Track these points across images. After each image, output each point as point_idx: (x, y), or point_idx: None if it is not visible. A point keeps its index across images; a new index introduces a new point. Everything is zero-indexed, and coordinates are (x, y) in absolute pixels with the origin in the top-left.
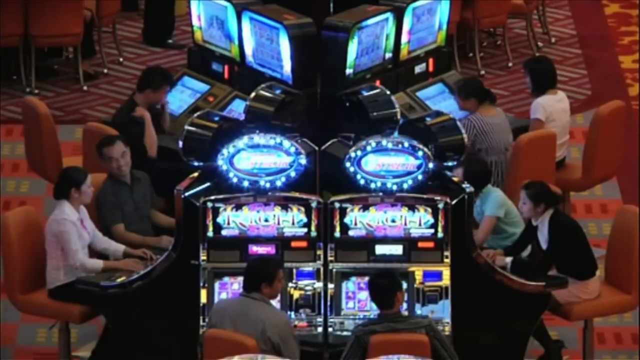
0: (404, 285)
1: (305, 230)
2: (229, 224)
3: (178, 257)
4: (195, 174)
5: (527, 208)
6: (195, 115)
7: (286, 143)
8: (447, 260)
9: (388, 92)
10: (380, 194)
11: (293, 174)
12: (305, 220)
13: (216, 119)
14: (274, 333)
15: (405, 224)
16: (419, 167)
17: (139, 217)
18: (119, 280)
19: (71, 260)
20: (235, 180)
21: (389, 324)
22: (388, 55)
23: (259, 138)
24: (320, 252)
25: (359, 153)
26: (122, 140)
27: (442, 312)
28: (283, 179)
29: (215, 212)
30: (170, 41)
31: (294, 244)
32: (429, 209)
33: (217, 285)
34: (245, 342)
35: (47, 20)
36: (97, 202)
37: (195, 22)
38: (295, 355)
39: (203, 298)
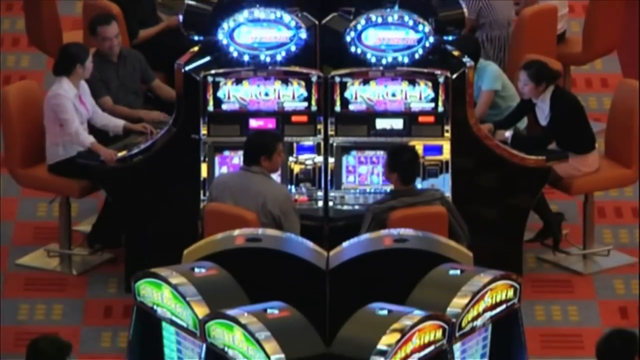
0: None
1: (306, 104)
2: (229, 98)
3: (178, 132)
4: (196, 48)
5: (529, 88)
6: None
7: (286, 17)
8: (448, 135)
9: None
10: (381, 68)
11: (293, 48)
12: (305, 94)
13: None
14: (275, 206)
15: (406, 98)
16: (419, 41)
17: (125, 94)
18: (119, 154)
19: (68, 130)
20: (235, 54)
21: (405, 199)
22: None
23: (259, 12)
24: (320, 127)
25: (359, 27)
26: (116, 21)
27: (442, 186)
28: (283, 53)
29: (216, 87)
30: None
31: (294, 118)
32: (430, 83)
33: (217, 159)
34: (246, 216)
35: None
36: None
37: None
38: (295, 229)
39: (203, 172)
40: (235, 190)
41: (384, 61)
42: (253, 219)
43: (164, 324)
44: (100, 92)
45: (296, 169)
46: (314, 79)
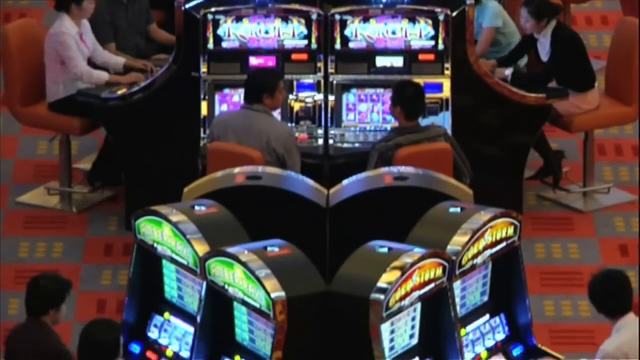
0: None
1: (306, 42)
2: (229, 36)
3: (179, 70)
4: None
5: (531, 25)
6: None
7: None
8: (448, 73)
9: None
10: (381, 6)
11: None
12: (305, 32)
13: None
14: (279, 144)
15: (406, 36)
16: None
17: (133, 35)
18: (119, 92)
19: (73, 69)
20: None
21: (410, 136)
22: None
23: None
24: (320, 65)
25: None
26: None
27: (442, 124)
28: None
29: (216, 25)
30: None
31: (294, 56)
32: (430, 21)
33: (217, 97)
34: (251, 154)
35: None
36: (91, 19)
37: None
38: (298, 167)
39: (203, 110)
40: (238, 130)
41: None
42: (258, 157)
43: (164, 262)
44: (107, 37)
45: (296, 107)
46: (314, 17)
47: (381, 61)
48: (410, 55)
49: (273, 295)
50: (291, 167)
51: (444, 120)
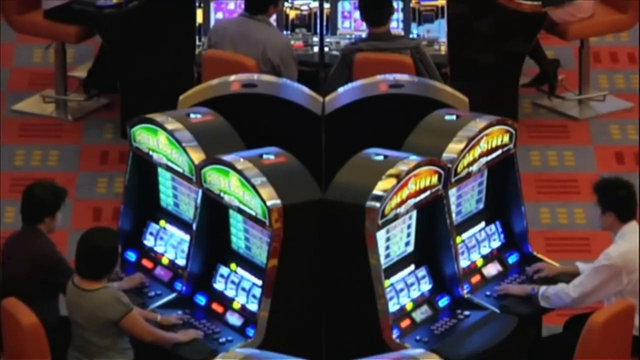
0: (400, 4)
1: None
2: None
3: None
4: None
5: None
6: None
7: None
8: None
9: None
10: None
11: None
12: None
13: None
14: (275, 54)
15: None
16: None
17: None
18: (115, 0)
19: None
20: None
21: (374, 43)
22: None
23: None
24: None
25: None
26: None
27: (438, 31)
28: None
29: None
30: None
31: None
32: None
33: (212, 4)
34: (245, 62)
35: None
36: None
37: None
38: (293, 76)
39: (199, 18)
40: (235, 37)
41: None
42: (252, 65)
43: (159, 170)
44: None
45: (292, 14)
46: None
47: None
48: None
49: (268, 203)
50: (286, 78)
51: (439, 27)
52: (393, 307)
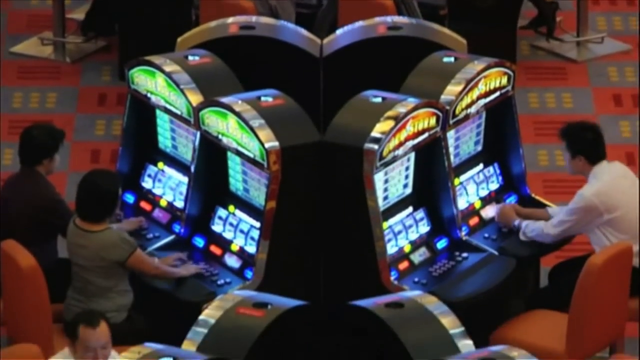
0: None
1: None
2: None
3: None
4: None
5: None
6: None
7: None
8: None
9: None
10: None
11: None
12: None
13: None
14: None
15: None
16: None
17: None
18: None
19: None
20: None
21: None
22: None
23: None
24: None
25: None
26: None
27: None
28: None
29: None
30: None
31: None
32: None
33: None
34: (243, 4)
35: None
36: None
37: None
38: (291, 18)
39: None
40: None
41: None
42: (250, 7)
43: (158, 112)
44: None
45: None
46: None
47: None
48: None
49: (267, 145)
50: (284, 19)
51: None
52: (391, 249)
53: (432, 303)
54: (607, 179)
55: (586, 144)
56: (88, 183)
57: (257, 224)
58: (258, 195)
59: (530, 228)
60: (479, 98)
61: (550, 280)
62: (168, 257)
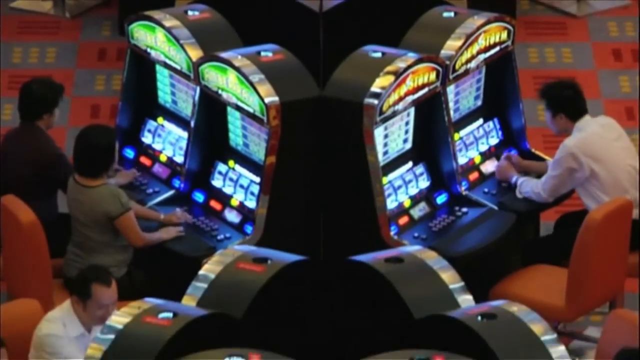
0: None
1: None
2: None
3: None
4: None
5: None
6: None
7: None
8: None
9: None
10: None
11: None
12: None
13: None
14: None
15: None
16: None
17: None
18: None
19: None
20: None
21: None
22: None
23: None
24: None
25: None
26: None
27: None
28: None
29: None
30: None
31: None
32: None
33: None
34: None
35: None
36: None
37: None
38: None
39: None
40: None
41: None
42: None
43: (157, 67)
44: None
45: None
46: None
47: None
48: None
49: (266, 100)
50: None
51: None
52: (391, 204)
53: (431, 258)
54: (590, 130)
55: (566, 102)
56: (83, 138)
57: (257, 179)
58: (258, 150)
59: (524, 185)
60: (478, 53)
61: (555, 232)
62: (174, 213)
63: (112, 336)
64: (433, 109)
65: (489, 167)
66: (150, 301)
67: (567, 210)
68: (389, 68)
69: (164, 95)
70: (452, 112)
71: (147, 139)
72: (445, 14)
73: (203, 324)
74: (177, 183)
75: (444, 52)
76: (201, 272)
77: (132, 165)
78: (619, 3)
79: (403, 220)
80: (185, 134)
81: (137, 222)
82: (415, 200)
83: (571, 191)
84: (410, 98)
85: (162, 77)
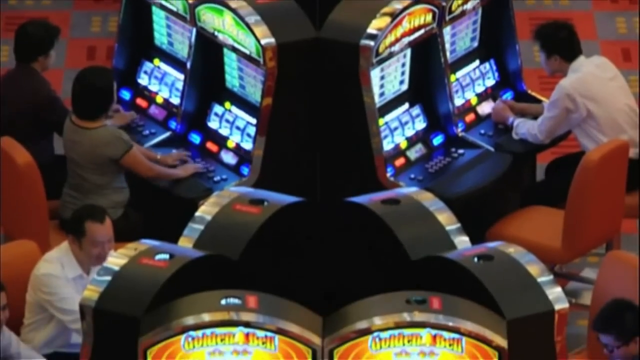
0: None
1: None
2: None
3: None
4: None
5: None
6: None
7: None
8: None
9: None
10: None
11: None
12: None
13: None
14: None
15: None
16: None
17: None
18: None
19: None
20: None
21: None
22: None
23: None
24: None
25: None
26: None
27: None
28: None
29: None
30: None
31: None
32: None
33: None
34: None
35: None
36: None
37: None
38: None
39: None
40: None
41: None
42: None
43: (153, 8)
44: None
45: None
46: None
47: None
48: None
49: (263, 42)
50: None
51: None
52: (387, 145)
53: (428, 199)
54: (585, 70)
55: (560, 43)
56: (82, 80)
57: (253, 121)
58: (254, 92)
59: (520, 127)
60: None
61: (546, 176)
62: (170, 155)
63: (108, 278)
64: (429, 51)
65: (486, 108)
66: (147, 243)
67: (563, 152)
68: (385, 9)
69: (160, 36)
70: (448, 54)
71: (143, 80)
72: None
73: (199, 265)
74: (173, 125)
75: None
76: (197, 213)
77: (129, 107)
78: None
79: (399, 161)
80: (181, 76)
81: (142, 156)
82: (411, 141)
83: (567, 132)
84: (406, 39)
85: (159, 18)
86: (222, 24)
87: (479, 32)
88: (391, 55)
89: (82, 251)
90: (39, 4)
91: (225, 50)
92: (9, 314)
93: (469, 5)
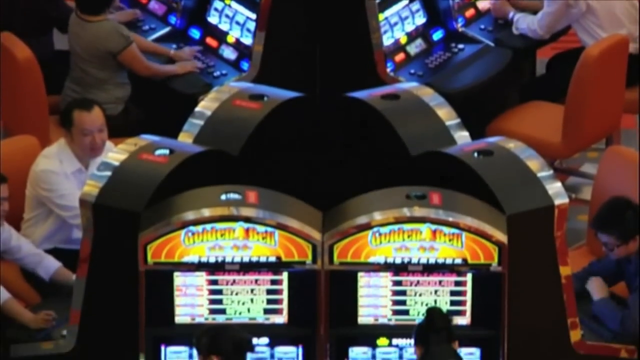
0: None
1: None
2: None
3: None
4: None
5: None
6: None
7: None
8: None
9: None
10: None
11: None
12: None
13: None
14: None
15: None
16: None
17: None
18: None
19: None
20: None
21: None
22: None
23: None
24: None
25: None
26: None
27: None
28: None
29: None
30: None
31: None
32: None
33: None
34: None
35: None
36: None
37: None
38: None
39: None
40: None
41: None
42: None
43: None
44: None
45: None
46: None
47: None
48: None
49: None
50: None
51: None
52: (387, 41)
53: (428, 94)
54: None
55: None
56: None
57: (253, 16)
58: None
59: (520, 22)
60: None
61: (547, 71)
62: (183, 50)
63: (108, 173)
64: None
65: (486, 3)
66: (147, 138)
67: (564, 47)
68: None
69: None
70: None
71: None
72: None
73: (199, 160)
74: (173, 20)
75: None
76: (197, 109)
77: (129, 3)
78: None
79: (399, 56)
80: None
81: (141, 53)
82: (411, 36)
83: (567, 27)
84: None
85: None
86: None
87: None
88: None
89: (74, 143)
90: None
91: None
92: (8, 207)
93: None
